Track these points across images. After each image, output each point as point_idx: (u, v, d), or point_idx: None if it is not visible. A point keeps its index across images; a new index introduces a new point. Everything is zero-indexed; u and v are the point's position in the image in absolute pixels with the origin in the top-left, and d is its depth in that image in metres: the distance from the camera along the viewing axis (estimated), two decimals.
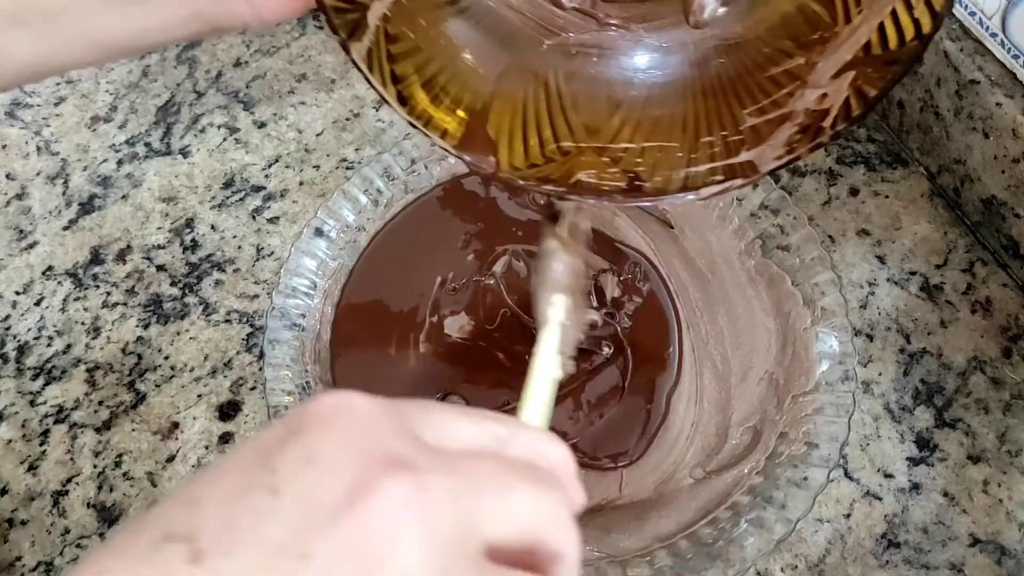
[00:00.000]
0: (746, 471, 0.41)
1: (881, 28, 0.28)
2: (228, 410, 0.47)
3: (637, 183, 0.31)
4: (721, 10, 0.32)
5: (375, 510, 0.19)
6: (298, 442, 0.21)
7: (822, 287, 0.44)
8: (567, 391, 0.44)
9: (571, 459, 0.26)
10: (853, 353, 0.42)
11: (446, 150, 0.31)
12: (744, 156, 0.30)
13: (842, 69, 0.29)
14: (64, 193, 0.56)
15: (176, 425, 0.46)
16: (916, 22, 0.28)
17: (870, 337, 0.47)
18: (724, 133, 0.31)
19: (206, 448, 0.46)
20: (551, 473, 0.25)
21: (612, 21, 0.34)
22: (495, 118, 0.32)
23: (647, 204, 0.46)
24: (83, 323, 0.50)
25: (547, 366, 0.33)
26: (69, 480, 0.45)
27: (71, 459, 0.46)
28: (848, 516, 0.42)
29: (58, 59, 0.34)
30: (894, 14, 0.28)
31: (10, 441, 0.47)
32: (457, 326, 0.46)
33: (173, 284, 0.51)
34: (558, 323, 0.34)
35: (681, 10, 0.32)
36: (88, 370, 0.49)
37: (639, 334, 0.46)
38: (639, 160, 0.31)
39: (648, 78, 0.34)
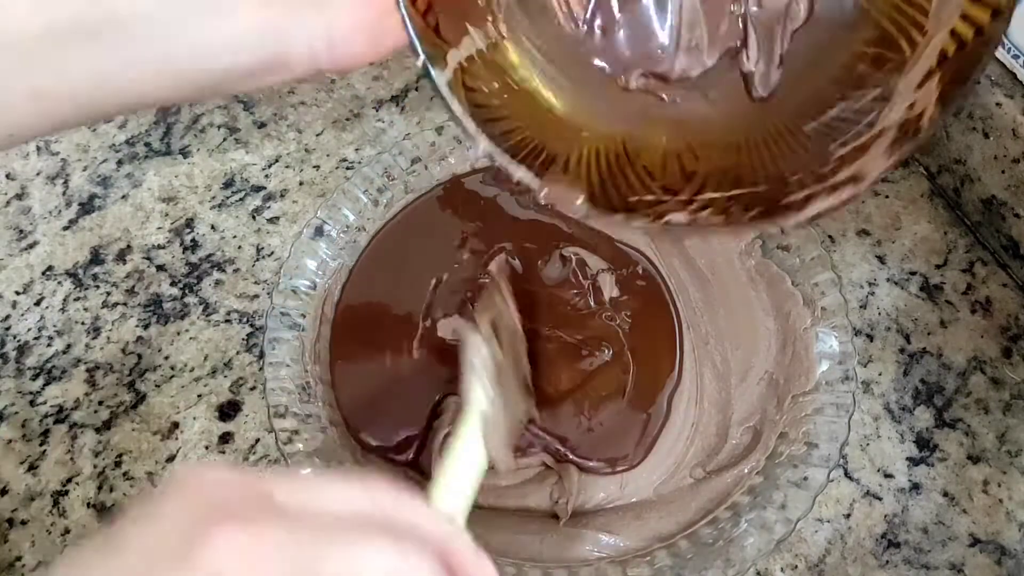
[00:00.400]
0: (746, 471, 0.41)
1: (953, 32, 0.28)
2: (228, 410, 0.47)
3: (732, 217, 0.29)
4: (776, 76, 0.32)
5: (204, 558, 0.21)
6: (146, 505, 0.23)
7: (822, 287, 0.44)
8: (566, 393, 0.44)
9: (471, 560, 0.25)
10: (853, 353, 0.42)
11: (531, 188, 0.29)
12: (845, 174, 0.29)
13: (924, 79, 0.28)
14: (64, 193, 0.56)
15: (176, 425, 0.46)
16: (993, 7, 0.27)
17: (870, 337, 0.47)
18: (813, 169, 0.30)
19: (206, 448, 0.46)
20: (427, 543, 0.24)
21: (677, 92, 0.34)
22: (575, 162, 0.31)
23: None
24: (83, 323, 0.50)
25: (467, 453, 0.33)
26: (69, 480, 0.45)
27: (71, 459, 0.46)
28: (848, 516, 0.42)
29: (119, 85, 0.29)
30: (964, 16, 0.27)
31: (10, 441, 0.46)
32: (456, 326, 0.46)
33: (173, 284, 0.51)
34: (479, 411, 0.34)
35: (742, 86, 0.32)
36: (88, 370, 0.49)
37: (639, 335, 0.45)
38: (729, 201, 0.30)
39: (720, 122, 0.33)
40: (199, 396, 0.47)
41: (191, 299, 0.51)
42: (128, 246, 0.53)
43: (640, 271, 0.47)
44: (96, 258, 0.53)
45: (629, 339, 0.45)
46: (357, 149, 0.56)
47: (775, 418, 0.42)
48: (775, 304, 0.46)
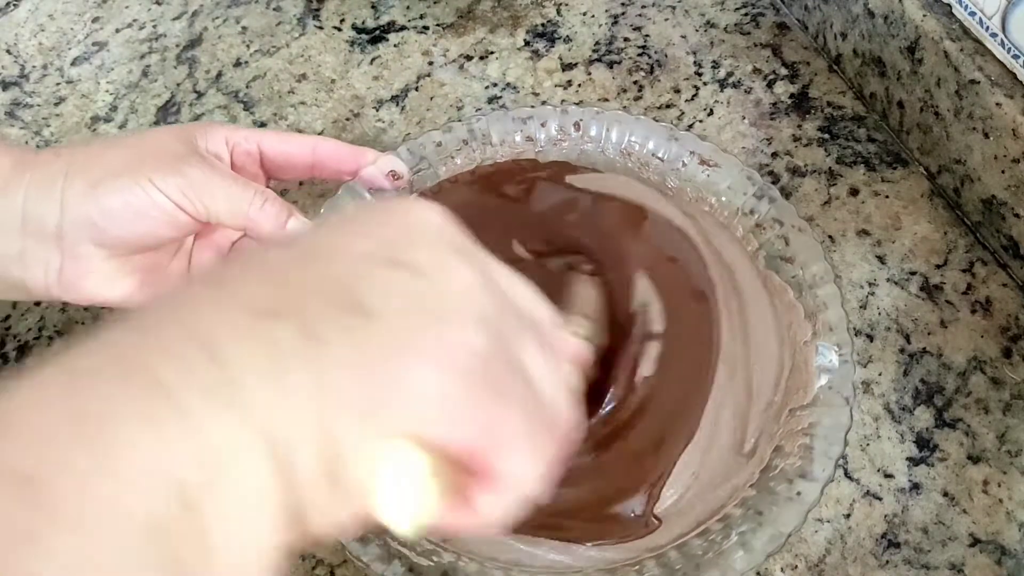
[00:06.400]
0: (740, 482, 0.40)
1: None
2: None
3: None
4: None
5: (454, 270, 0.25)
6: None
7: (824, 300, 0.43)
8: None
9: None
10: (852, 368, 0.41)
11: None
12: None
13: None
14: None
15: None
16: None
17: (870, 337, 0.47)
18: None
19: None
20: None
21: None
22: None
23: None
24: (83, 323, 0.50)
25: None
26: None
27: None
28: (848, 516, 0.42)
29: None
30: None
31: None
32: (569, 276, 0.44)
33: None
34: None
35: None
36: None
37: (664, 383, 0.41)
38: None
39: None
40: None
41: None
42: None
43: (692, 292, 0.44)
44: None
45: (649, 389, 0.41)
46: None
47: (772, 431, 0.42)
48: (777, 317, 0.45)
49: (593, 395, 0.40)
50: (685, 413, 0.41)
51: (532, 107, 0.51)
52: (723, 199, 0.48)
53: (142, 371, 0.20)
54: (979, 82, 0.46)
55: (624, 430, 0.41)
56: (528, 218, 0.48)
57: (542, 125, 0.51)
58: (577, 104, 0.51)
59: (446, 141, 0.50)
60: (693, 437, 0.41)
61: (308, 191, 0.54)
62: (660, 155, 0.50)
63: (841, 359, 0.42)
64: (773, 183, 0.53)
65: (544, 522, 0.39)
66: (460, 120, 0.51)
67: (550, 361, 0.26)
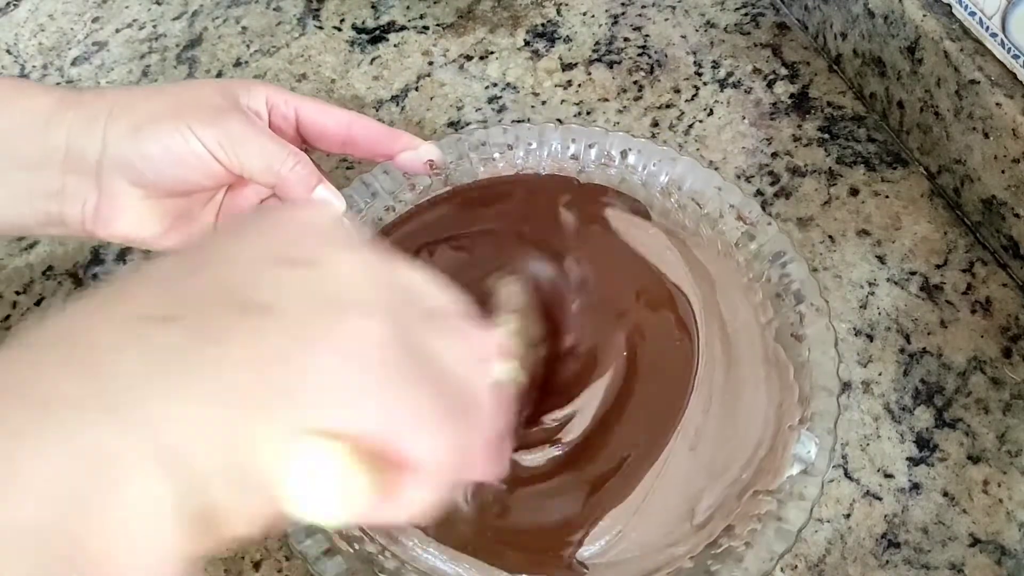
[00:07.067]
0: (680, 552, 0.39)
1: None
2: None
3: None
4: None
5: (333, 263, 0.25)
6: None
7: (822, 388, 0.41)
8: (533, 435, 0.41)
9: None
10: (827, 465, 0.39)
11: None
12: None
13: None
14: None
15: None
16: None
17: (870, 337, 0.47)
18: None
19: None
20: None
21: None
22: None
23: None
24: None
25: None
26: None
27: None
28: (848, 516, 0.42)
29: None
30: None
31: None
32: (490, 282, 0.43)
33: None
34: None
35: None
36: None
37: (620, 440, 0.41)
38: None
39: None
40: None
41: None
42: (128, 246, 0.53)
43: (677, 341, 0.44)
44: (96, 258, 0.53)
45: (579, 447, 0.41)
46: None
47: (730, 508, 0.40)
48: (770, 395, 0.42)
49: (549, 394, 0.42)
50: (627, 473, 0.40)
51: (582, 126, 0.50)
52: (751, 260, 0.46)
53: (27, 384, 0.20)
54: (979, 82, 0.46)
55: (569, 470, 0.41)
56: (531, 248, 0.47)
57: (589, 146, 0.49)
58: (625, 133, 0.48)
59: (490, 139, 0.50)
60: (626, 499, 0.40)
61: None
62: (701, 204, 0.47)
63: (819, 452, 0.39)
64: (773, 183, 0.53)
65: (482, 545, 0.39)
66: (505, 123, 0.51)
67: (459, 347, 0.26)
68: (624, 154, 0.49)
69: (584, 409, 0.42)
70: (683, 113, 0.56)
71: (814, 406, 0.40)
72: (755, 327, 0.44)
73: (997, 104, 0.45)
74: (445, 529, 0.39)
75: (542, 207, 0.48)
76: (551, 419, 0.41)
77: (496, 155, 0.50)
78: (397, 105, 0.58)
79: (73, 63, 0.62)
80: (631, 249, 0.47)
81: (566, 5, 0.63)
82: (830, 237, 0.50)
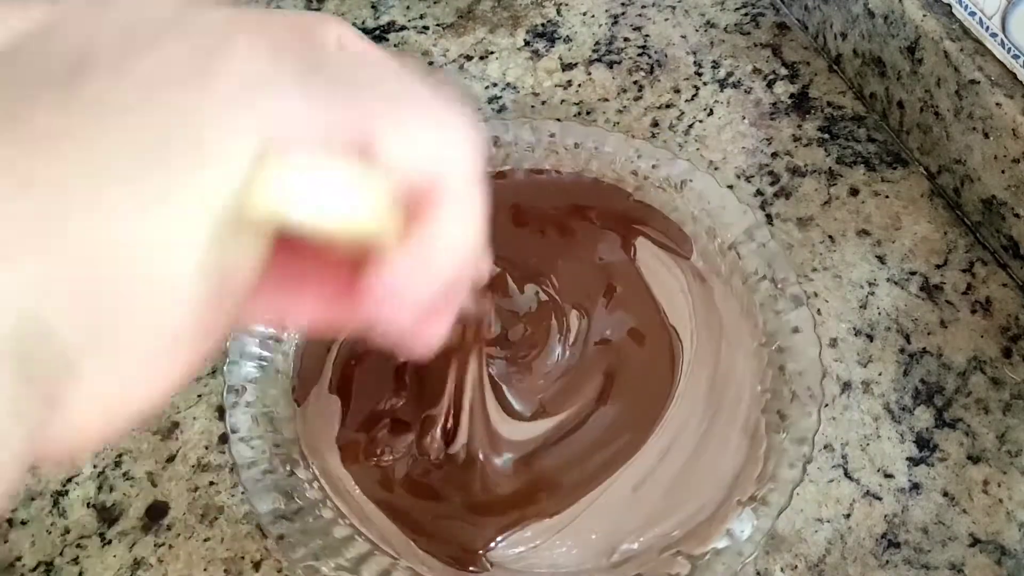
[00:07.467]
0: None
1: None
2: None
3: None
4: None
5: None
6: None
7: (783, 478, 0.39)
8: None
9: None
10: (754, 551, 0.37)
11: None
12: None
13: None
14: None
15: (176, 425, 0.46)
16: None
17: (870, 337, 0.47)
18: None
19: (206, 448, 0.46)
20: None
21: None
22: None
23: None
24: None
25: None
26: (69, 480, 0.45)
27: (70, 459, 0.46)
28: (848, 516, 0.42)
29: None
30: None
31: None
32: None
33: None
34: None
35: None
36: None
37: (570, 458, 0.42)
38: None
39: None
40: (199, 396, 0.47)
41: None
42: None
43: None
44: None
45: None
46: None
47: (647, 559, 0.39)
48: (735, 465, 0.41)
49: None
50: (566, 492, 0.41)
51: (650, 143, 0.49)
52: (767, 326, 0.44)
53: None
54: (979, 82, 0.46)
55: (517, 469, 0.41)
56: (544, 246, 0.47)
57: (654, 166, 0.48)
58: (688, 162, 0.48)
59: (539, 131, 0.50)
60: (554, 516, 0.40)
61: None
62: (740, 255, 0.46)
63: (753, 534, 0.38)
64: (773, 183, 0.53)
65: (417, 526, 0.40)
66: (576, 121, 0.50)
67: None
68: (682, 185, 0.48)
69: (552, 418, 0.42)
70: (683, 113, 0.56)
71: (770, 492, 0.39)
72: (747, 392, 0.43)
73: (997, 104, 0.45)
74: (377, 485, 0.41)
75: (576, 215, 0.48)
76: (525, 410, 0.42)
77: (562, 149, 0.50)
78: None
79: None
80: (644, 282, 0.47)
81: (566, 5, 0.63)
82: (830, 237, 0.50)
